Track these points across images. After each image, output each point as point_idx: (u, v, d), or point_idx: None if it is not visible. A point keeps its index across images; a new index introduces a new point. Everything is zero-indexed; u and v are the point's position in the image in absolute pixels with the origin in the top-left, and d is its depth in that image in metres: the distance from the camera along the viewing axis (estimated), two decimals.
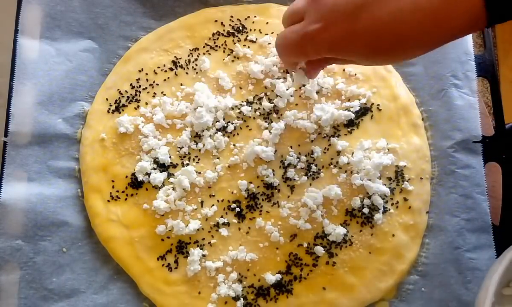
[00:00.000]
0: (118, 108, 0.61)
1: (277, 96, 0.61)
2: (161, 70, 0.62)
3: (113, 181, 0.59)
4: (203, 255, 0.56)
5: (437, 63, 0.62)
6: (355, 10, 0.40)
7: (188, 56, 0.63)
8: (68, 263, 0.56)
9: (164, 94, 0.61)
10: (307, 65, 0.51)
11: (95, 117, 0.61)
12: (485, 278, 0.49)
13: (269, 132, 0.60)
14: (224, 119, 0.60)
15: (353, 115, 0.60)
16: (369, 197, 0.57)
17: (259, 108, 0.61)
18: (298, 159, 0.59)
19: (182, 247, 0.57)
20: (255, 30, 0.63)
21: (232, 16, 0.64)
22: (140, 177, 0.58)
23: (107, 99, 0.61)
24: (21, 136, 0.58)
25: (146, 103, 0.61)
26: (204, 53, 0.63)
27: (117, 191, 0.58)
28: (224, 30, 0.64)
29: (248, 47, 0.63)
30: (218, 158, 0.59)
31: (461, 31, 0.39)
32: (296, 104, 0.61)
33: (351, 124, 0.60)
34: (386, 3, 0.38)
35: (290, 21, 0.46)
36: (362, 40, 0.40)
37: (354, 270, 0.56)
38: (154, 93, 0.62)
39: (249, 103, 0.61)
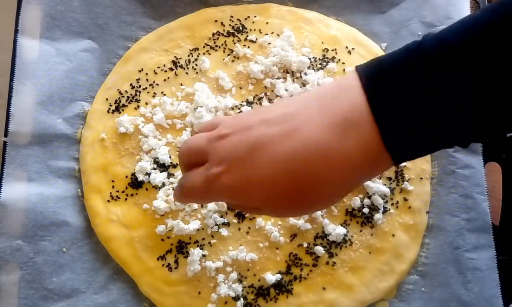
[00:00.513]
0: (118, 108, 0.61)
1: (277, 96, 0.61)
2: (161, 70, 0.62)
3: (113, 181, 0.59)
4: (203, 255, 0.56)
5: None
6: (251, 152, 0.37)
7: (188, 56, 0.63)
8: (68, 263, 0.56)
9: (164, 94, 0.61)
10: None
11: (95, 117, 0.61)
12: None
13: None
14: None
15: None
16: (369, 197, 0.57)
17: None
18: None
19: (182, 247, 0.57)
20: (255, 30, 0.63)
21: (232, 16, 0.64)
22: (140, 177, 0.58)
23: (107, 99, 0.61)
24: (21, 136, 0.58)
25: (146, 103, 0.61)
26: (204, 53, 0.63)
27: (117, 191, 0.58)
28: (224, 30, 0.64)
29: (248, 47, 0.63)
30: None
31: (364, 171, 0.36)
32: None
33: None
34: (281, 143, 0.36)
35: (194, 159, 0.41)
36: (259, 183, 0.37)
37: (354, 270, 0.56)
38: (154, 93, 0.62)
39: (249, 103, 0.61)
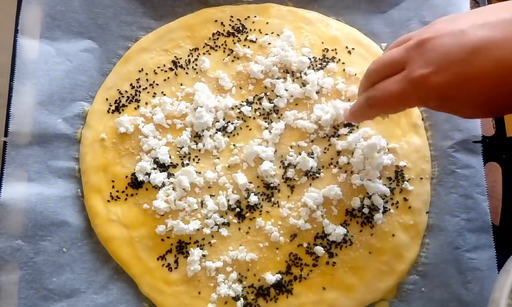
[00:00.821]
0: (118, 108, 0.61)
1: (277, 96, 0.61)
2: (161, 70, 0.62)
3: (113, 181, 0.59)
4: (203, 255, 0.56)
5: None
6: (470, 53, 0.37)
7: (188, 56, 0.63)
8: (68, 263, 0.56)
9: (164, 94, 0.61)
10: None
11: (95, 117, 0.61)
12: (499, 279, 0.48)
13: (269, 132, 0.60)
14: (224, 119, 0.60)
15: None
16: (369, 197, 0.57)
17: (259, 108, 0.61)
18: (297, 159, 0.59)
19: (182, 247, 0.57)
20: (255, 30, 0.63)
21: (232, 16, 0.64)
22: (140, 177, 0.58)
23: (107, 99, 0.61)
24: (21, 136, 0.58)
25: (146, 103, 0.61)
26: (204, 53, 0.63)
27: (117, 191, 0.58)
28: (224, 30, 0.64)
29: (248, 47, 0.63)
30: (218, 158, 0.59)
31: None
32: (296, 104, 0.61)
33: (351, 124, 0.60)
34: (505, 46, 0.36)
35: (384, 73, 0.43)
36: (477, 83, 0.37)
37: (354, 270, 0.56)
38: (154, 93, 0.62)
39: (249, 103, 0.61)
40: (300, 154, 0.59)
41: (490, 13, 0.39)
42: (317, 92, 0.61)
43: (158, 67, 0.62)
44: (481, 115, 0.42)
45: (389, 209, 0.58)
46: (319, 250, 0.56)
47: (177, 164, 0.59)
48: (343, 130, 0.60)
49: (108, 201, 0.58)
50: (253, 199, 0.57)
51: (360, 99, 0.48)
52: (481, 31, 0.38)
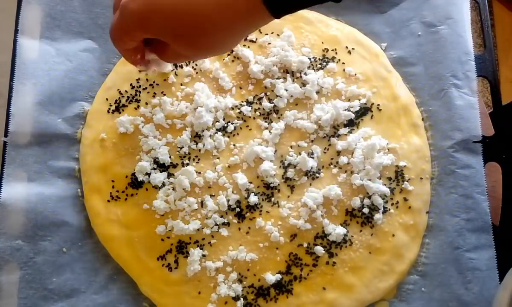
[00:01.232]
0: (118, 108, 0.61)
1: (277, 96, 0.61)
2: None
3: (113, 181, 0.59)
4: (203, 255, 0.56)
5: (437, 63, 0.62)
6: None
7: None
8: (68, 263, 0.56)
9: (164, 94, 0.61)
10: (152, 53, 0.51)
11: (95, 117, 0.61)
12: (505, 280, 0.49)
13: (269, 132, 0.60)
14: (224, 119, 0.60)
15: (353, 115, 0.60)
16: (369, 197, 0.57)
17: (259, 108, 0.61)
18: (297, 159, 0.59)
19: (182, 247, 0.57)
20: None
21: None
22: (140, 177, 0.58)
23: (107, 99, 0.61)
24: (21, 136, 0.58)
25: (146, 103, 0.61)
26: None
27: (117, 191, 0.58)
28: None
29: (248, 47, 0.63)
30: (218, 158, 0.59)
31: (248, 21, 0.42)
32: (296, 104, 0.61)
33: (351, 124, 0.60)
34: None
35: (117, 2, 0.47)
36: (161, 10, 0.42)
37: (354, 270, 0.56)
38: (154, 93, 0.62)
39: (249, 103, 0.61)
40: (300, 154, 0.59)
41: None
42: (317, 92, 0.61)
43: None
44: (184, 48, 0.46)
45: (389, 209, 0.58)
46: (319, 250, 0.56)
47: (177, 164, 0.59)
48: (343, 130, 0.60)
49: (108, 201, 0.58)
50: (253, 199, 0.57)
51: None
52: None
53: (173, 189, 0.58)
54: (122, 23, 0.45)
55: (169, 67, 0.58)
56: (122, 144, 0.60)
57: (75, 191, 0.59)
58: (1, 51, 0.62)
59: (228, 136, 0.60)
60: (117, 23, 0.46)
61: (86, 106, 0.62)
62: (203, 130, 0.60)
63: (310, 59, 0.62)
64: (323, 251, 0.56)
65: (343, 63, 0.62)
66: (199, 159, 0.59)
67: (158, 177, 0.58)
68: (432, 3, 0.63)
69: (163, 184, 0.58)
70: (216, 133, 0.60)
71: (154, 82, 0.62)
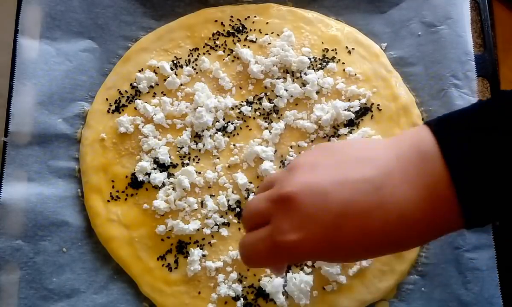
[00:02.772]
0: (118, 108, 0.61)
1: (277, 96, 0.61)
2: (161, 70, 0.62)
3: (113, 181, 0.59)
4: (203, 255, 0.56)
5: (437, 63, 0.62)
6: (336, 219, 0.36)
7: (188, 56, 0.63)
8: (68, 263, 0.56)
9: (164, 94, 0.61)
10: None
11: (95, 117, 0.61)
12: None
13: (269, 132, 0.60)
14: (224, 119, 0.60)
15: (353, 115, 0.60)
16: None
17: (259, 108, 0.61)
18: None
19: (182, 247, 0.57)
20: (255, 30, 0.63)
21: (232, 16, 0.64)
22: (140, 177, 0.58)
23: (107, 99, 0.61)
24: (21, 136, 0.58)
25: (146, 103, 0.61)
26: (204, 53, 0.63)
27: (117, 191, 0.58)
28: (224, 30, 0.64)
29: (248, 47, 0.63)
30: (218, 158, 0.59)
31: (441, 234, 0.37)
32: (296, 104, 0.61)
33: (351, 124, 0.60)
34: (372, 216, 0.35)
35: (255, 221, 0.40)
36: (346, 250, 0.37)
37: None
38: (154, 93, 0.62)
39: (249, 103, 0.61)
40: (300, 154, 0.59)
41: (349, 165, 0.38)
42: (317, 92, 0.61)
43: (158, 67, 0.62)
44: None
45: None
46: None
47: (177, 164, 0.59)
48: (343, 130, 0.60)
49: (108, 201, 0.58)
50: None
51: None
52: (343, 193, 0.36)
53: (173, 189, 0.58)
54: (280, 256, 0.38)
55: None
56: (122, 144, 0.60)
57: (75, 191, 0.59)
58: (1, 51, 0.62)
59: (228, 136, 0.60)
60: (269, 251, 0.38)
61: (86, 106, 0.61)
62: (203, 130, 0.60)
63: (310, 59, 0.62)
64: None
65: (343, 63, 0.62)
66: (199, 159, 0.59)
67: (158, 177, 0.58)
68: (432, 3, 0.63)
69: (163, 184, 0.58)
70: (216, 133, 0.60)
71: (154, 82, 0.62)
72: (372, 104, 0.61)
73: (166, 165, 0.59)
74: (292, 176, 0.38)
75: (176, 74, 0.62)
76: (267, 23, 0.64)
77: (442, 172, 0.34)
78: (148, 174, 0.58)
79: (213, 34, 0.63)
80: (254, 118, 0.61)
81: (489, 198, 0.34)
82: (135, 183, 0.58)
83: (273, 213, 0.38)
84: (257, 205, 0.40)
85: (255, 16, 0.64)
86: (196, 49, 0.63)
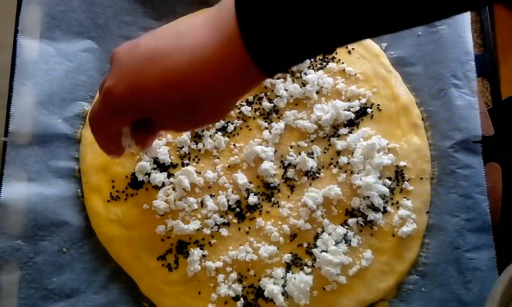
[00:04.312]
0: None
1: (277, 96, 0.61)
2: None
3: (113, 181, 0.58)
4: (203, 255, 0.56)
5: (437, 63, 0.62)
6: (141, 63, 0.39)
7: None
8: (68, 263, 0.56)
9: None
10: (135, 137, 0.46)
11: None
12: (491, 291, 0.49)
13: (269, 132, 0.60)
14: (224, 119, 0.60)
15: (353, 115, 0.60)
16: (369, 197, 0.57)
17: (259, 108, 0.61)
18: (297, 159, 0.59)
19: (182, 247, 0.57)
20: None
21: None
22: (140, 177, 0.58)
23: None
24: (21, 136, 0.58)
25: None
26: None
27: (117, 191, 0.58)
28: None
29: None
30: (218, 158, 0.59)
31: (237, 81, 0.38)
32: (296, 104, 0.61)
33: (351, 124, 0.60)
34: (169, 56, 0.38)
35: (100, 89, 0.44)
36: (150, 90, 0.38)
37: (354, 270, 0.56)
38: None
39: (249, 103, 0.61)
40: (300, 154, 0.59)
41: (166, 27, 0.44)
42: (317, 92, 0.61)
43: None
44: (178, 124, 0.43)
45: (389, 209, 0.58)
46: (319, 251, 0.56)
47: (177, 164, 0.59)
48: (343, 130, 0.60)
49: (108, 201, 0.58)
50: (253, 199, 0.57)
51: None
52: (151, 41, 0.40)
53: (173, 189, 0.58)
54: (105, 109, 0.41)
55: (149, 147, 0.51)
56: None
57: (75, 191, 0.59)
58: (1, 51, 0.62)
59: (228, 136, 0.60)
60: (100, 109, 0.42)
61: (86, 106, 0.61)
62: (203, 130, 0.60)
63: (310, 59, 0.62)
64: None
65: (343, 63, 0.62)
66: (199, 159, 0.59)
67: (158, 177, 0.58)
68: None
69: (163, 184, 0.58)
70: (216, 133, 0.60)
71: None
72: (372, 104, 0.61)
73: (166, 165, 0.59)
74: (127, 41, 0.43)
75: None
76: None
77: (232, 14, 0.35)
78: (148, 174, 0.58)
79: None
80: (254, 118, 0.61)
81: (272, 34, 0.34)
82: (135, 183, 0.58)
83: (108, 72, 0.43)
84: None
85: None
86: None
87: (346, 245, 0.56)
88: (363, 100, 0.61)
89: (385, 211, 0.57)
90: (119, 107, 0.40)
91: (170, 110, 0.40)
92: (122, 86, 0.39)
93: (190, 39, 0.38)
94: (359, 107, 0.61)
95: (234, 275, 0.56)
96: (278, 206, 0.58)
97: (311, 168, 0.58)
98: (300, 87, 0.61)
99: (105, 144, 0.46)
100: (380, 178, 0.58)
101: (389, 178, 0.59)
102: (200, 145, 0.59)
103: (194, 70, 0.37)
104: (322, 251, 0.56)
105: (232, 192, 0.58)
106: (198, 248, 0.56)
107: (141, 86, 0.39)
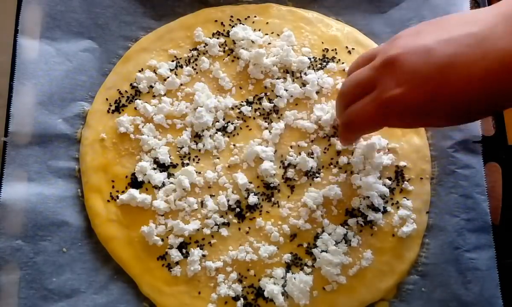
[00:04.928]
0: (118, 108, 0.61)
1: (277, 96, 0.61)
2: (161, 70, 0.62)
3: (113, 181, 0.59)
4: (203, 255, 0.56)
5: None
6: (440, 71, 0.39)
7: (188, 56, 0.63)
8: (68, 263, 0.56)
9: (164, 94, 0.61)
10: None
11: (95, 117, 0.61)
12: None
13: (269, 132, 0.60)
14: (224, 119, 0.60)
15: None
16: (369, 197, 0.57)
17: (259, 108, 0.61)
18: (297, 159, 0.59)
19: (182, 247, 0.57)
20: (255, 30, 0.63)
21: (232, 16, 0.64)
22: (140, 177, 0.58)
23: (107, 99, 0.61)
24: (21, 136, 0.58)
25: (146, 103, 0.61)
26: (204, 53, 0.63)
27: (117, 191, 0.58)
28: (224, 30, 0.64)
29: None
30: (218, 158, 0.59)
31: None
32: (296, 104, 0.61)
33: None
34: (475, 65, 0.37)
35: (355, 95, 0.44)
36: (449, 99, 0.39)
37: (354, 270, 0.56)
38: (154, 93, 0.62)
39: (249, 103, 0.61)
40: (300, 154, 0.59)
41: (453, 26, 0.41)
42: (317, 92, 0.61)
43: (158, 67, 0.62)
44: (456, 123, 0.44)
45: (389, 209, 0.58)
46: (317, 253, 0.56)
47: (177, 164, 0.59)
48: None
49: (108, 201, 0.58)
50: (253, 199, 0.57)
51: (340, 123, 0.51)
52: (447, 48, 0.39)
53: (173, 189, 0.58)
54: (384, 113, 0.42)
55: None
56: (122, 144, 0.60)
57: (75, 191, 0.59)
58: (1, 51, 0.62)
59: (228, 136, 0.60)
60: (375, 112, 0.42)
61: (86, 106, 0.61)
62: (203, 130, 0.60)
63: (310, 59, 0.62)
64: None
65: (343, 63, 0.62)
66: (199, 159, 0.59)
67: (158, 177, 0.58)
68: (432, 3, 0.63)
69: (163, 184, 0.58)
70: (216, 133, 0.60)
71: (154, 82, 0.62)
72: None
73: (166, 165, 0.59)
74: (395, 43, 0.42)
75: (176, 74, 0.62)
76: (267, 23, 0.64)
77: None
78: (148, 174, 0.58)
79: (213, 34, 0.63)
80: (254, 118, 0.61)
81: None
82: (135, 183, 0.58)
83: (378, 78, 0.42)
84: (359, 75, 0.44)
85: (255, 16, 0.64)
86: (196, 49, 0.63)
87: (346, 245, 0.56)
88: None
89: (385, 211, 0.57)
90: (405, 115, 0.41)
91: (463, 116, 0.40)
92: (417, 95, 0.39)
93: (496, 46, 0.37)
94: None
95: (234, 275, 0.56)
96: (278, 206, 0.58)
97: (311, 168, 0.58)
98: (300, 87, 0.61)
99: (353, 139, 0.52)
100: (380, 178, 0.58)
101: (389, 178, 0.59)
102: (200, 145, 0.59)
103: (502, 79, 0.37)
104: (322, 251, 0.56)
105: (232, 192, 0.58)
106: (198, 248, 0.56)
107: (441, 95, 0.39)
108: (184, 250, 0.56)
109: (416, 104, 0.40)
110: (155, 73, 0.62)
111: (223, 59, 0.63)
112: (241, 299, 0.55)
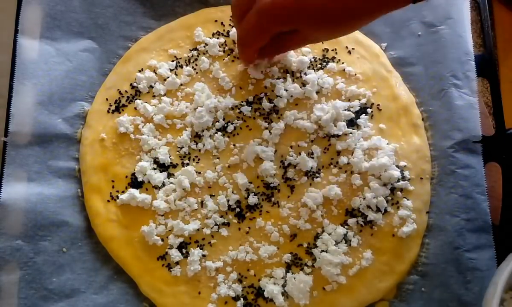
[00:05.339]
0: (118, 108, 0.61)
1: (277, 96, 0.61)
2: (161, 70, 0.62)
3: (113, 181, 0.59)
4: (203, 255, 0.56)
5: (437, 63, 0.62)
6: None
7: (188, 56, 0.63)
8: (68, 263, 0.56)
9: (164, 94, 0.61)
10: (263, 54, 0.56)
11: (95, 117, 0.61)
12: (494, 276, 0.49)
13: (269, 132, 0.60)
14: (224, 119, 0.60)
15: (353, 115, 0.60)
16: (369, 197, 0.57)
17: (259, 108, 0.61)
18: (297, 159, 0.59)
19: (182, 247, 0.57)
20: None
21: (232, 16, 0.64)
22: (140, 177, 0.58)
23: (107, 99, 0.61)
24: (21, 136, 0.58)
25: (146, 103, 0.61)
26: (204, 53, 0.63)
27: (117, 191, 0.58)
28: (224, 30, 0.64)
29: None
30: (218, 158, 0.59)
31: (387, 4, 0.46)
32: (296, 104, 0.61)
33: (351, 124, 0.60)
34: None
35: (241, 11, 0.50)
36: (311, 5, 0.44)
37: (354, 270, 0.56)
38: (154, 93, 0.62)
39: (249, 103, 0.61)
40: (300, 154, 0.59)
41: None
42: (317, 92, 0.61)
43: (158, 67, 0.62)
44: (331, 31, 0.49)
45: (389, 209, 0.58)
46: (318, 253, 0.56)
47: (177, 164, 0.59)
48: (342, 129, 0.60)
49: (108, 201, 0.58)
50: (253, 199, 0.57)
51: (237, 40, 0.56)
52: None
53: (173, 189, 0.58)
54: (262, 20, 0.47)
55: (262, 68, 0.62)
56: (122, 144, 0.60)
57: (75, 191, 0.59)
58: (1, 51, 0.62)
59: (228, 136, 0.60)
60: (256, 21, 0.48)
61: (86, 106, 0.62)
62: (203, 130, 0.60)
63: (310, 59, 0.62)
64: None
65: (343, 63, 0.62)
66: (199, 159, 0.59)
67: (158, 177, 0.58)
68: (432, 3, 0.63)
69: (163, 184, 0.58)
70: (216, 133, 0.60)
71: (154, 82, 0.62)
72: (372, 104, 0.61)
73: (166, 165, 0.59)
74: None
75: (176, 74, 0.62)
76: None
77: None
78: (148, 174, 0.58)
79: (213, 34, 0.63)
80: (254, 118, 0.61)
81: None
82: (135, 183, 0.58)
83: None
84: None
85: None
86: (196, 49, 0.63)
87: (346, 245, 0.56)
88: (363, 100, 0.61)
89: (385, 211, 0.57)
90: (282, 18, 0.46)
91: (326, 18, 0.46)
92: None
93: None
94: (359, 107, 0.61)
95: (234, 275, 0.56)
96: (278, 206, 0.58)
97: (311, 168, 0.58)
98: (300, 87, 0.61)
99: (249, 56, 0.55)
100: (380, 178, 0.58)
101: (389, 178, 0.59)
102: (200, 145, 0.59)
103: None
104: (322, 251, 0.56)
105: (232, 192, 0.58)
106: (198, 248, 0.56)
107: None
108: (184, 250, 0.56)
109: (286, 7, 0.46)
110: (155, 73, 0.62)
111: (223, 59, 0.63)
112: (241, 299, 0.55)
